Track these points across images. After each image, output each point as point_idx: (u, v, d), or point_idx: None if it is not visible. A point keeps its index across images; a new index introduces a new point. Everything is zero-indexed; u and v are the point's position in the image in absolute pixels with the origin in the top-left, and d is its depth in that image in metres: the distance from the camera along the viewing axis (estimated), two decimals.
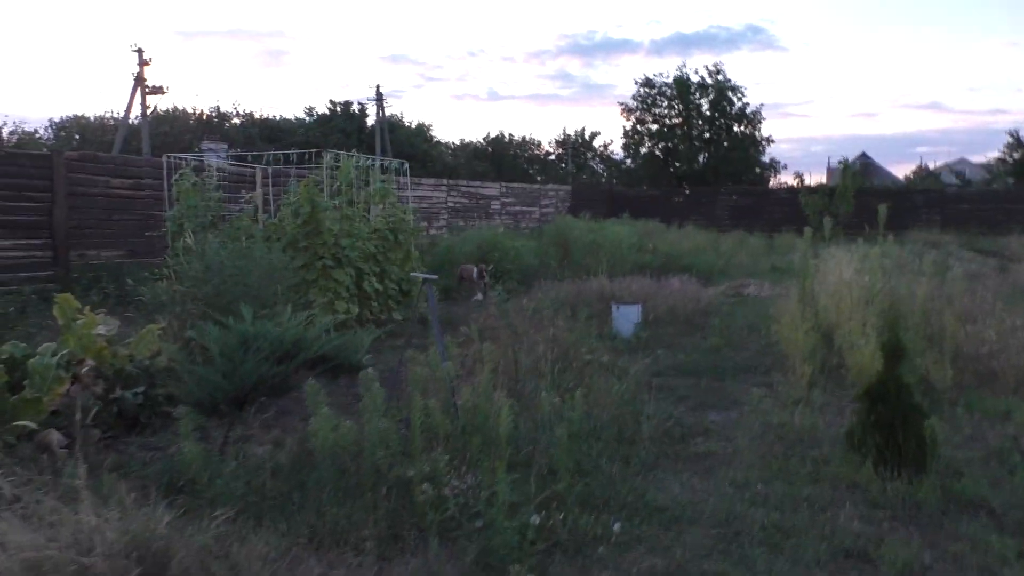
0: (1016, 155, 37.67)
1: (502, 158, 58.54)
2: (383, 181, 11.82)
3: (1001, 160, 39.12)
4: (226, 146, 22.66)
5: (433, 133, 54.16)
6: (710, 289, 13.56)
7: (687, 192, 34.54)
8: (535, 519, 3.93)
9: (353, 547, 3.85)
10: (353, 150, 13.57)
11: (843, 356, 7.28)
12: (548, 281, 13.80)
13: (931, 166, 56.87)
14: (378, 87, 46.22)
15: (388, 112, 48.23)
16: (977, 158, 55.62)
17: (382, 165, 12.29)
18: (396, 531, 4.03)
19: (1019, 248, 21.45)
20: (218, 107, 47.87)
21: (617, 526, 4.08)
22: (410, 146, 50.70)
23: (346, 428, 4.48)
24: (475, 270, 13.41)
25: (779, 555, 3.80)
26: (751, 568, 3.67)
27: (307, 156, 11.76)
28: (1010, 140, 38.08)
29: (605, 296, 11.81)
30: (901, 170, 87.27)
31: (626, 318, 9.87)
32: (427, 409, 4.66)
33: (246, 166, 12.93)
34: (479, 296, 12.76)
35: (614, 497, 4.46)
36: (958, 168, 51.04)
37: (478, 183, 25.51)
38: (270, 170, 10.93)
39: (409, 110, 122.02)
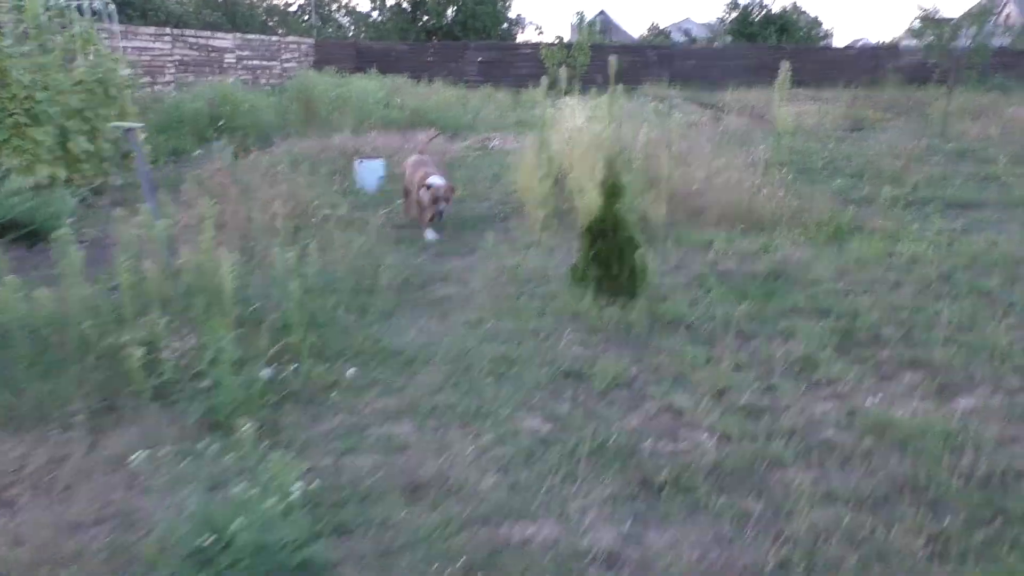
0: (734, 15, 40.81)
1: (236, 7, 53.52)
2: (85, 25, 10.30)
3: (721, 20, 42.20)
4: None
5: None
6: (457, 143, 13.61)
7: (436, 47, 33.83)
8: (265, 372, 3.83)
9: (60, 423, 3.54)
10: None
11: (574, 201, 7.66)
12: (291, 139, 13.11)
13: (661, 26, 60.34)
14: None
15: None
16: (701, 19, 59.54)
17: (80, 6, 10.66)
18: (110, 403, 3.75)
19: (732, 100, 23.68)
20: None
21: (351, 372, 4.09)
22: None
23: (43, 298, 4.01)
24: (434, 186, 7.32)
25: (505, 382, 4.03)
26: (479, 396, 3.87)
27: None
28: (729, 1, 41.07)
29: (348, 152, 11.46)
30: (636, 30, 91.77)
31: (371, 172, 9.65)
32: (140, 271, 4.28)
33: None
34: (429, 236, 7.33)
35: (349, 346, 4.46)
36: (685, 27, 54.51)
37: (208, 34, 23.04)
38: None
39: None
